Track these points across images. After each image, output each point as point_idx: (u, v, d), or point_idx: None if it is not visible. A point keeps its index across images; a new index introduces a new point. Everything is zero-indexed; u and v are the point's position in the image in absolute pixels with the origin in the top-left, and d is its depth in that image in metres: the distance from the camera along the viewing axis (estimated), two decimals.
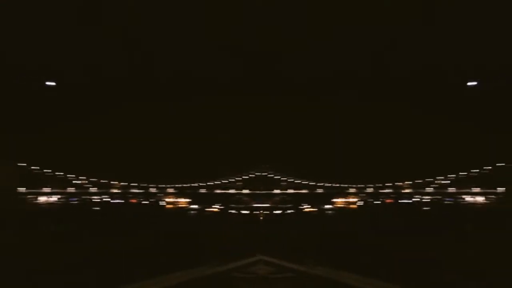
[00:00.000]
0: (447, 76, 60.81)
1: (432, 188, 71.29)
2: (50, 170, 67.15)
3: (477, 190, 66.76)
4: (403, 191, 68.49)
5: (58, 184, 66.36)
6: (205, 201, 62.52)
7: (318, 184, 70.49)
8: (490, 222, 30.58)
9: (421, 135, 70.82)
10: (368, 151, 67.30)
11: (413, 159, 70.34)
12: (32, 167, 63.30)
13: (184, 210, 55.58)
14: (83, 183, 66.50)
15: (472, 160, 71.35)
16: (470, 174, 71.91)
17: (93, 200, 64.94)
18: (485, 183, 67.28)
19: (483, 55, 56.65)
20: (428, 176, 72.62)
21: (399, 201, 66.56)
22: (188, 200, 66.63)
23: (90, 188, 67.60)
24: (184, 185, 69.15)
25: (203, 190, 69.23)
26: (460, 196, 70.26)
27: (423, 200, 68.64)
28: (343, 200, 68.49)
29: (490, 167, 69.59)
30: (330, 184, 69.94)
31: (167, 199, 67.08)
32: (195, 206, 60.77)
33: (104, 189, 68.57)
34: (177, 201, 66.88)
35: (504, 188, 61.50)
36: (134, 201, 68.88)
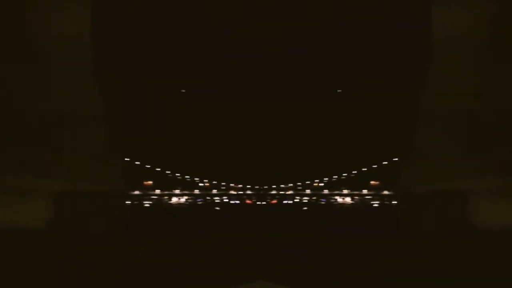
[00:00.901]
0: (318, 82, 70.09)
1: (309, 190, 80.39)
2: (179, 174, 70.54)
3: (346, 191, 76.47)
4: (286, 192, 75.78)
5: (186, 187, 69.27)
6: None
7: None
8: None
9: (301, 140, 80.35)
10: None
11: (295, 163, 79.51)
12: (166, 171, 66.88)
13: None
14: (206, 185, 73.13)
15: (343, 165, 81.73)
16: (341, 177, 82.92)
17: (215, 201, 69.98)
18: (353, 185, 77.63)
19: (352, 62, 66.90)
20: (307, 179, 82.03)
21: (283, 202, 73.30)
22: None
23: (213, 190, 71.38)
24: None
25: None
26: (332, 197, 79.21)
27: (303, 201, 76.32)
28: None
29: (356, 171, 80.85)
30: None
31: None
32: None
33: (223, 191, 71.79)
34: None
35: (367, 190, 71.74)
36: (249, 202, 71.11)
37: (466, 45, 8.56)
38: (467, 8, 8.65)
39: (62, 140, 7.96)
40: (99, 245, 8.37)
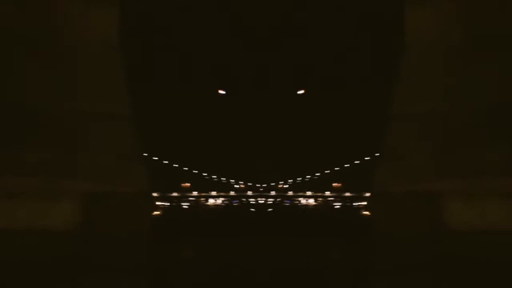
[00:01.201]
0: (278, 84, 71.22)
1: (274, 192, 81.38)
2: (216, 176, 75.45)
3: (309, 193, 77.33)
4: (250, 194, 76.57)
5: (223, 188, 75.68)
6: None
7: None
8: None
9: (263, 142, 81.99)
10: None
11: (258, 165, 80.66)
12: (203, 173, 71.16)
13: None
14: (242, 187, 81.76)
15: (305, 167, 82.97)
16: (305, 179, 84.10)
17: (250, 202, 76.38)
18: (315, 187, 78.88)
19: (311, 64, 68.78)
20: (271, 181, 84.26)
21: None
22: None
23: (248, 192, 78.49)
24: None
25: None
26: (296, 199, 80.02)
27: (267, 202, 76.98)
28: None
29: (319, 173, 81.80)
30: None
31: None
32: None
33: (258, 192, 78.37)
34: None
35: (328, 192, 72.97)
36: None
37: (439, 46, 8.73)
38: (439, 10, 8.84)
39: (89, 141, 7.98)
40: (130, 247, 8.39)
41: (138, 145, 8.54)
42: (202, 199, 72.44)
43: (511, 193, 7.64)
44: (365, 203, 62.98)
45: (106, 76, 8.22)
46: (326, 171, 77.06)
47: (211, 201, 72.09)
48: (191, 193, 70.21)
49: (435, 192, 8.23)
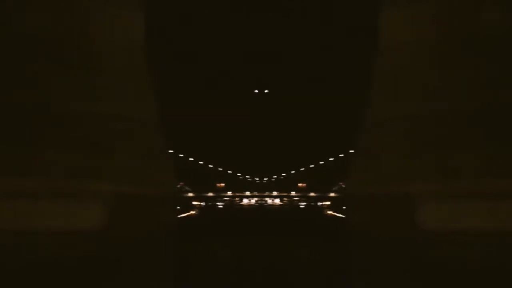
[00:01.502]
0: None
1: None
2: (249, 176, 78.78)
3: (275, 193, 78.35)
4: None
5: (256, 189, 75.62)
6: None
7: None
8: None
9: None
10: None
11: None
12: (237, 174, 70.23)
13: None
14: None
15: (273, 167, 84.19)
16: (271, 179, 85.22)
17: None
18: (282, 187, 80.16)
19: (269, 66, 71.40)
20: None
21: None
22: None
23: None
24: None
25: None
26: (263, 199, 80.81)
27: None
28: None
29: (285, 174, 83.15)
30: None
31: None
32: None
33: (286, 192, 78.34)
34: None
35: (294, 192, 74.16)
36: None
37: (415, 49, 8.37)
38: (414, 15, 8.44)
39: (116, 144, 7.81)
40: (155, 248, 8.18)
41: (166, 148, 8.33)
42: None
43: (486, 194, 7.48)
44: (328, 202, 64.40)
45: (133, 79, 8.05)
46: (291, 172, 78.45)
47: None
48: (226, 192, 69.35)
49: (410, 193, 7.88)
